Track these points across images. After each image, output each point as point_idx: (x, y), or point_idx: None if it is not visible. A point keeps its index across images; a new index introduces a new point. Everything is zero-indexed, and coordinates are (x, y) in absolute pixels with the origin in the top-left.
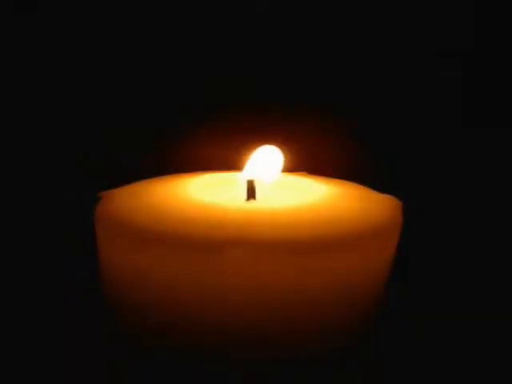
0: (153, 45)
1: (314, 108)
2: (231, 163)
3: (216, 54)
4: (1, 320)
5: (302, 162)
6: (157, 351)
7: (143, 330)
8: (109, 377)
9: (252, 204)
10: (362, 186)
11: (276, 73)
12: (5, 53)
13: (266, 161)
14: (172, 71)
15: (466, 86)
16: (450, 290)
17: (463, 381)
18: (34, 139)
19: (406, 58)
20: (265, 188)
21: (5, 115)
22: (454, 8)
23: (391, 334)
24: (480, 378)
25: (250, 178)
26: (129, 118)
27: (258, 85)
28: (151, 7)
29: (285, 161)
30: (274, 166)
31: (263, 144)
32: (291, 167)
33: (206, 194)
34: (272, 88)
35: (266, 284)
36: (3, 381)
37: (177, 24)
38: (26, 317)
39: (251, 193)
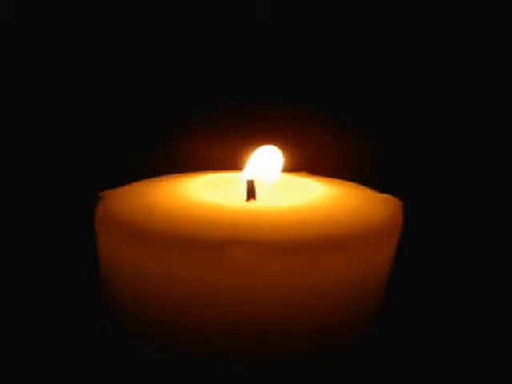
0: (154, 45)
1: (314, 108)
2: (231, 163)
3: (217, 55)
4: (0, 319)
5: (302, 162)
6: (156, 351)
7: (143, 329)
8: (109, 377)
9: (252, 204)
10: (361, 186)
11: (276, 73)
12: (5, 53)
13: (266, 161)
14: (172, 71)
15: (466, 86)
16: (451, 290)
17: (463, 381)
18: (34, 139)
19: (406, 58)
20: (265, 188)
21: (5, 115)
22: (453, 8)
23: (391, 334)
24: (480, 378)
25: (249, 179)
26: (129, 117)
27: (257, 85)
28: (152, 8)
29: (285, 161)
30: (274, 166)
31: (263, 144)
32: (292, 167)
33: (205, 194)
34: (272, 88)
35: (266, 284)
36: (3, 381)
37: (177, 25)
38: (26, 317)
39: (251, 193)
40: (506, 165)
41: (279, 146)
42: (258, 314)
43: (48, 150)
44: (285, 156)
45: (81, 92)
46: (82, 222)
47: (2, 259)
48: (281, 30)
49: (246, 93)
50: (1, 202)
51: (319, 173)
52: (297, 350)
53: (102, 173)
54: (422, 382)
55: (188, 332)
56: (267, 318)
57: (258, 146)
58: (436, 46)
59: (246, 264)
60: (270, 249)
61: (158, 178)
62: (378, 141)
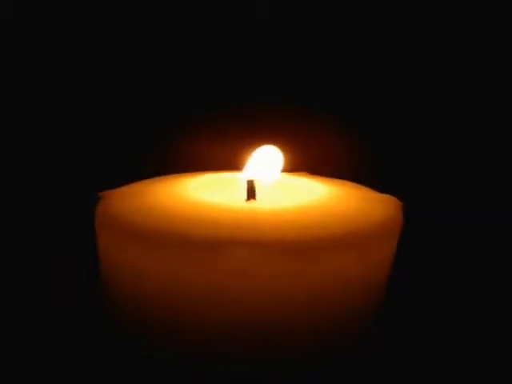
0: (154, 45)
1: (314, 108)
2: (231, 163)
3: (216, 55)
4: (0, 319)
5: (302, 162)
6: (156, 351)
7: (143, 329)
8: (109, 377)
9: (252, 204)
10: (362, 186)
11: (276, 73)
12: (5, 53)
13: (266, 161)
14: (172, 71)
15: (466, 86)
16: (450, 290)
17: (463, 381)
18: (34, 139)
19: (405, 58)
20: (265, 188)
21: (5, 115)
22: (453, 8)
23: (391, 334)
24: (480, 378)
25: (249, 179)
26: (129, 117)
27: (257, 85)
28: (152, 8)
29: (285, 161)
30: (275, 166)
31: (263, 144)
32: (291, 167)
33: (205, 194)
34: (272, 88)
35: (266, 284)
36: (3, 381)
37: (177, 25)
38: (26, 317)
39: (251, 193)
40: (505, 165)
41: (279, 146)
42: (257, 314)
43: (48, 151)
44: (285, 156)
45: (81, 92)
46: (82, 221)
47: (2, 259)
48: (281, 30)
49: (246, 93)
50: (1, 202)
51: (319, 173)
52: (297, 350)
53: (102, 173)
54: (421, 382)
55: (188, 332)
56: (267, 317)
57: (258, 146)
58: (435, 46)
59: (246, 264)
60: (269, 249)
61: (157, 178)
62: (377, 141)
